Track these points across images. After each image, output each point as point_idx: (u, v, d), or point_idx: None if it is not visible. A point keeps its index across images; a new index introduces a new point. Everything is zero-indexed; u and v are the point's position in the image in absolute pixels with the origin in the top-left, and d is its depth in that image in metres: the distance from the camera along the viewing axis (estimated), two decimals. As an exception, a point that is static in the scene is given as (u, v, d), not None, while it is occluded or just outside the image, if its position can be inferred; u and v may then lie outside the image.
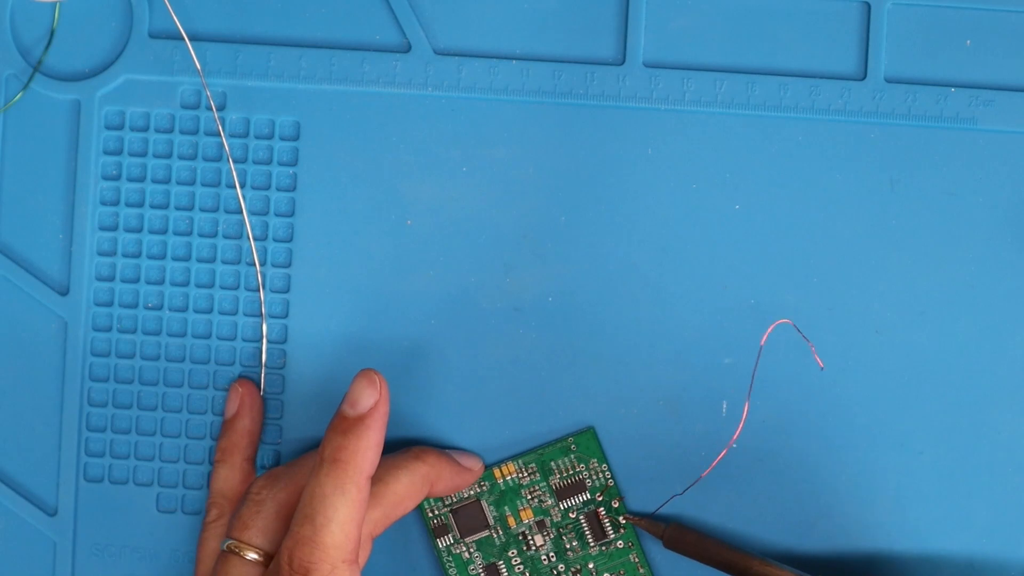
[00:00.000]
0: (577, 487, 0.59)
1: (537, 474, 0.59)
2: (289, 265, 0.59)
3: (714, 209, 0.59)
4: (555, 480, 0.59)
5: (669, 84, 0.59)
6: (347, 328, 0.59)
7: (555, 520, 0.59)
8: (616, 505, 0.59)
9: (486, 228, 0.59)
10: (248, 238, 0.59)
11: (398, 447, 0.59)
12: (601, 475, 0.59)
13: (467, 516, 0.59)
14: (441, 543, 0.59)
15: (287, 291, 0.59)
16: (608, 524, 0.59)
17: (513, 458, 0.59)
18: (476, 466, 0.58)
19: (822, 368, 0.58)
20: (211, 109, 0.59)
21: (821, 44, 0.59)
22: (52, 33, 0.60)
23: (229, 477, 0.58)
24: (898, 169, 0.58)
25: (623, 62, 0.59)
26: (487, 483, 0.59)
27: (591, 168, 0.59)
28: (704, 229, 0.59)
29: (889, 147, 0.58)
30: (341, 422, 0.53)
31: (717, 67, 0.59)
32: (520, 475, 0.59)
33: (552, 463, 0.59)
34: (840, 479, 0.58)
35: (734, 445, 0.58)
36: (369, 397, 0.53)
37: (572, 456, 0.59)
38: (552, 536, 0.59)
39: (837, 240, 0.58)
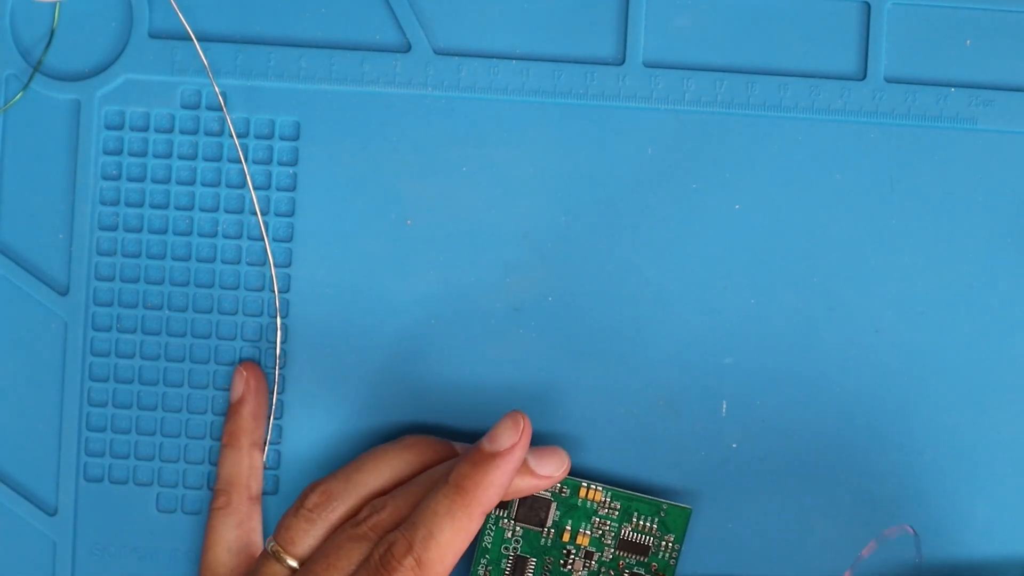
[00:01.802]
0: (642, 548, 0.58)
1: (616, 512, 0.58)
2: (289, 265, 0.59)
3: (714, 209, 0.59)
4: (627, 528, 0.58)
5: (669, 84, 0.59)
6: (347, 328, 0.59)
7: (604, 559, 0.59)
8: None
9: (486, 228, 0.59)
10: (263, 237, 0.59)
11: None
12: (670, 552, 0.58)
13: (530, 506, 0.58)
14: (493, 512, 0.58)
15: (287, 291, 0.59)
16: None
17: (604, 487, 0.58)
18: (556, 472, 0.57)
19: (921, 562, 0.58)
20: (220, 108, 0.59)
21: (821, 44, 0.59)
22: (52, 33, 0.60)
23: (236, 462, 0.58)
24: (898, 169, 0.58)
25: (623, 62, 0.59)
26: (568, 490, 0.58)
27: (591, 168, 0.59)
28: (704, 229, 0.59)
29: (889, 147, 0.58)
30: (476, 454, 0.54)
31: (717, 67, 0.59)
32: (601, 505, 0.58)
33: (635, 513, 0.58)
34: (840, 480, 0.58)
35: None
36: (509, 439, 0.54)
37: (657, 519, 0.58)
38: (592, 570, 0.59)
39: (837, 240, 0.58)
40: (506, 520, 0.58)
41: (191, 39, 0.59)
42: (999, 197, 0.58)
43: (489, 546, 0.58)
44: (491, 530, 0.58)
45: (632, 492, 0.58)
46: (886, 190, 0.58)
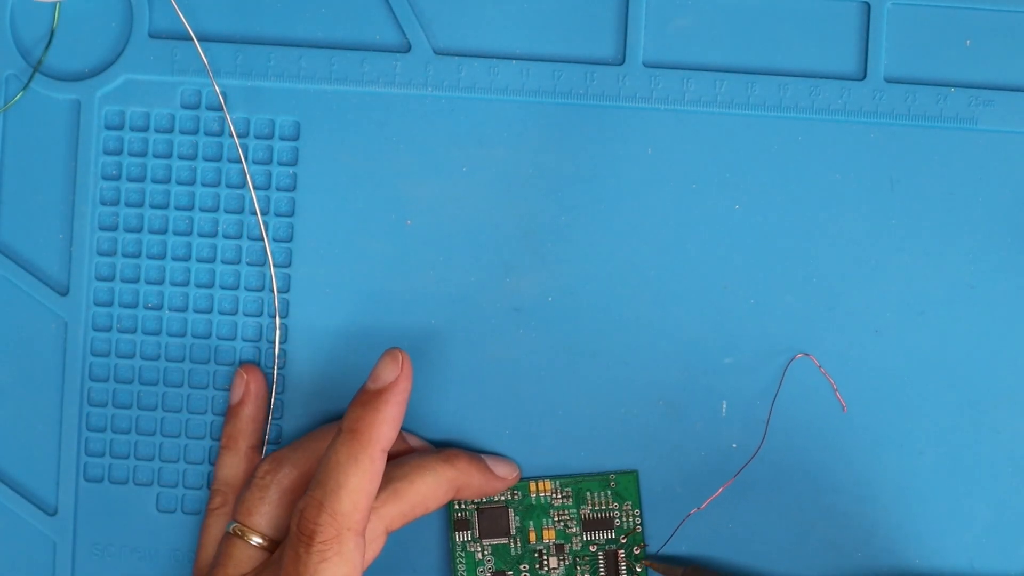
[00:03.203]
0: (605, 523, 0.59)
1: (570, 499, 0.59)
2: (289, 265, 0.59)
3: (714, 209, 0.59)
4: (586, 510, 0.59)
5: (669, 84, 0.59)
6: (347, 328, 0.59)
7: (574, 548, 0.59)
8: (637, 552, 0.59)
9: (486, 228, 0.59)
10: (263, 237, 0.59)
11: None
12: (631, 519, 0.59)
13: (491, 519, 0.59)
14: (458, 537, 0.59)
15: (287, 291, 0.59)
16: (625, 568, 0.59)
17: (552, 477, 0.59)
18: (510, 475, 0.58)
19: (844, 411, 0.58)
20: (220, 108, 0.59)
21: (821, 44, 0.59)
22: (52, 33, 0.60)
23: (234, 464, 0.58)
24: (898, 169, 0.58)
25: (623, 62, 0.59)
26: (520, 493, 0.59)
27: (591, 168, 0.59)
28: (704, 229, 0.59)
29: (889, 147, 0.58)
30: (362, 395, 0.54)
31: (717, 67, 0.59)
32: (554, 495, 0.59)
33: (588, 493, 0.59)
34: (840, 479, 0.58)
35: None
36: (391, 373, 0.54)
37: (609, 492, 0.59)
38: (567, 563, 0.59)
39: (837, 240, 0.58)
40: (472, 542, 0.59)
41: (191, 39, 0.59)
42: (999, 197, 0.58)
43: (465, 573, 0.59)
44: (461, 558, 0.58)
45: (577, 474, 0.58)
46: (886, 190, 0.58)
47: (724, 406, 0.59)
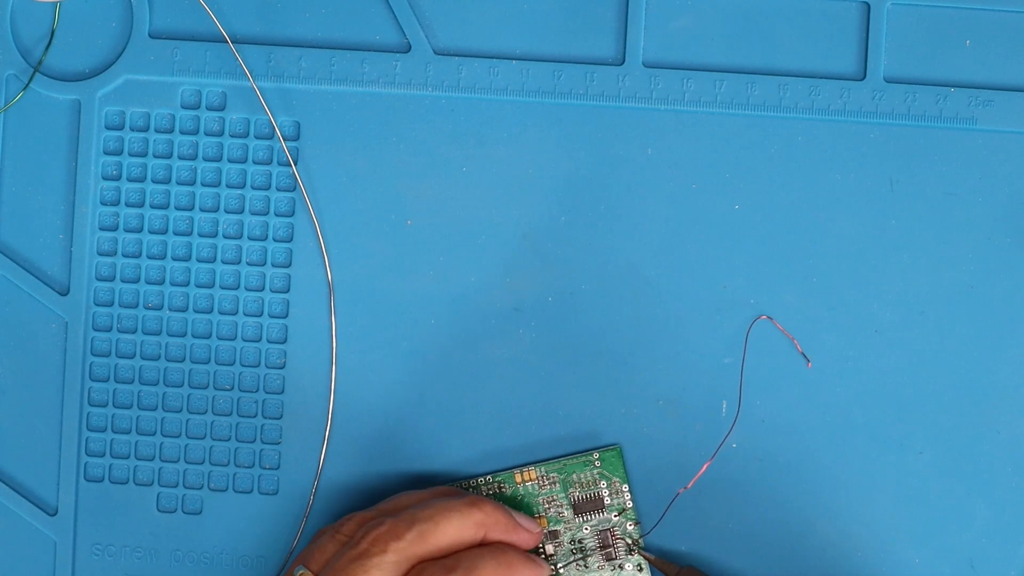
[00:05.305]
0: (595, 503, 0.59)
1: (558, 484, 0.59)
2: (289, 265, 0.59)
3: (714, 209, 0.59)
4: (574, 493, 0.59)
5: (669, 84, 0.59)
6: (347, 328, 0.59)
7: (570, 532, 0.59)
8: (631, 528, 0.59)
9: (486, 228, 0.59)
10: (291, 164, 0.60)
11: (400, 448, 0.59)
12: (621, 496, 0.59)
13: None
14: None
15: (287, 291, 0.59)
16: (621, 547, 0.59)
17: (536, 464, 0.59)
18: (534, 528, 0.57)
19: (809, 366, 0.58)
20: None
21: (821, 44, 0.59)
22: (52, 33, 0.60)
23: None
24: (898, 169, 0.58)
25: (623, 62, 0.59)
26: (508, 485, 0.59)
27: (591, 168, 0.59)
28: (704, 229, 0.59)
29: (889, 147, 0.58)
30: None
31: (717, 67, 0.59)
32: (541, 482, 0.59)
33: (574, 475, 0.59)
34: (840, 480, 0.58)
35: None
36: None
37: (595, 471, 0.58)
38: (565, 548, 0.59)
39: (837, 240, 0.58)
40: None
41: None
42: (999, 197, 0.58)
43: None
44: None
45: (560, 457, 0.58)
46: (886, 190, 0.58)
47: (724, 406, 0.59)
